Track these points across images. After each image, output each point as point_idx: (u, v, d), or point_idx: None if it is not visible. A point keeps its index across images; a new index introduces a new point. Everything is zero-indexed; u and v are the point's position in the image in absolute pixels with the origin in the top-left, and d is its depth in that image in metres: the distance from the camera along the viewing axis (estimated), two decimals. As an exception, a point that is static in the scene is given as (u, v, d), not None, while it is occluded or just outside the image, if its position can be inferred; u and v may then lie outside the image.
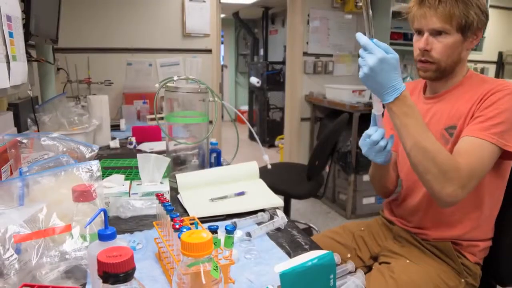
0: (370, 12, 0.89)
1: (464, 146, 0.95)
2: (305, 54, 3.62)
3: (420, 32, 1.03)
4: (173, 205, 0.78)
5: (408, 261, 1.10)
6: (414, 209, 1.14)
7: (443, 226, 1.09)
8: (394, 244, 1.19)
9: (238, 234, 0.93)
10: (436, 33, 0.99)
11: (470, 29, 0.99)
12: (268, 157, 1.45)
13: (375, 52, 0.86)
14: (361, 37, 0.88)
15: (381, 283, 1.03)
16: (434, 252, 1.09)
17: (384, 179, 1.20)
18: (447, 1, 0.96)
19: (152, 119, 2.29)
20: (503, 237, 1.12)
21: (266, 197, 1.18)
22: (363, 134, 1.01)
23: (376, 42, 0.88)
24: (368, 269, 1.19)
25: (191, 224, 0.75)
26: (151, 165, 1.16)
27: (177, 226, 0.66)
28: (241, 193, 1.18)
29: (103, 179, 1.10)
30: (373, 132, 0.98)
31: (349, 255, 1.23)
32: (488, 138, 0.93)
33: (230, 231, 0.73)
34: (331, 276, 0.57)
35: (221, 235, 0.87)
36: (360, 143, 1.03)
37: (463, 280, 1.05)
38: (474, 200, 1.02)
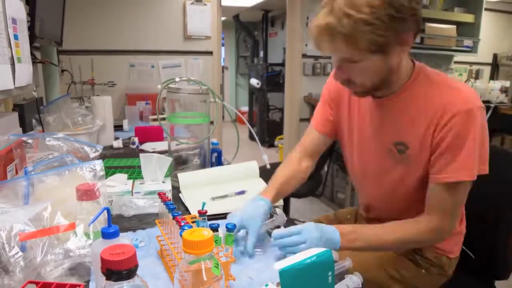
0: None
1: (436, 197, 0.90)
2: (304, 56, 3.62)
3: None
4: (175, 204, 0.78)
5: None
6: (368, 204, 1.15)
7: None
8: None
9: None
10: (348, 60, 0.84)
11: (390, 46, 0.80)
12: (268, 157, 1.44)
13: (303, 229, 0.85)
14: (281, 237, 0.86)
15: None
16: None
17: None
18: (344, 29, 0.76)
19: (154, 120, 2.29)
20: (499, 235, 1.12)
21: (266, 196, 1.18)
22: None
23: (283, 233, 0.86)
24: None
25: (193, 222, 0.75)
26: (154, 165, 1.16)
27: (182, 224, 0.66)
28: (242, 192, 1.18)
29: (106, 178, 1.10)
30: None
31: None
32: (465, 178, 0.86)
33: (230, 229, 0.73)
34: (329, 273, 0.57)
35: (222, 233, 0.87)
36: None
37: (423, 270, 1.04)
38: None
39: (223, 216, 1.05)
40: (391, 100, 0.94)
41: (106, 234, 0.59)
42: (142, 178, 1.18)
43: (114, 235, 0.59)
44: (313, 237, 0.83)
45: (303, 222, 0.93)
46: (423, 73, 0.92)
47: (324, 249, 0.57)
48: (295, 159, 1.14)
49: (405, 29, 0.79)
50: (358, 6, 0.75)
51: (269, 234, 0.95)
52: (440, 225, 0.90)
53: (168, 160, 1.18)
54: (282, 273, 0.52)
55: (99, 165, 0.85)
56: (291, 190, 1.11)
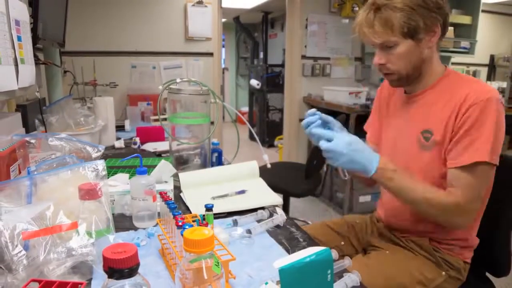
0: None
1: (457, 179, 0.94)
2: (303, 57, 3.62)
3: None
4: (176, 203, 0.78)
5: (387, 252, 1.11)
6: (393, 210, 1.15)
7: (422, 229, 1.08)
8: (378, 239, 1.19)
9: (239, 231, 0.93)
10: (385, 46, 0.98)
11: (419, 31, 0.95)
12: (268, 156, 1.44)
13: (338, 137, 0.91)
14: (321, 137, 0.94)
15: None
16: (413, 248, 1.09)
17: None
18: (381, 15, 0.94)
19: (155, 120, 2.29)
20: (496, 230, 1.13)
21: (265, 195, 1.18)
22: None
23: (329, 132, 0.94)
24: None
25: (193, 221, 0.75)
26: (162, 170, 1.17)
27: (180, 224, 0.66)
28: (242, 192, 1.18)
29: (108, 178, 1.10)
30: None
31: (342, 243, 1.24)
32: (482, 159, 0.90)
33: (209, 209, 0.78)
34: (329, 272, 0.57)
35: (222, 231, 0.88)
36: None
37: (444, 272, 1.05)
38: None
39: (223, 215, 1.05)
40: (422, 94, 1.05)
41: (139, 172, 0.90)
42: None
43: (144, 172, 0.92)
44: (342, 139, 0.91)
45: (303, 221, 0.94)
46: (453, 73, 1.04)
47: (323, 248, 0.57)
48: None
49: (431, 18, 0.94)
50: None
51: (269, 233, 0.96)
52: (463, 202, 0.92)
53: (172, 171, 1.20)
54: (282, 271, 0.52)
55: (101, 165, 0.85)
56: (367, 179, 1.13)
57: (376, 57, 1.01)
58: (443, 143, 0.97)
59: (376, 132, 1.23)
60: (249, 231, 0.93)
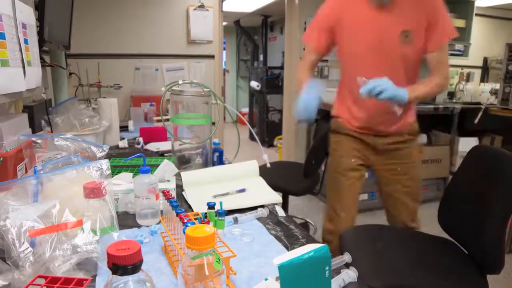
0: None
1: (439, 60, 1.31)
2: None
3: None
4: (178, 202, 0.78)
5: (398, 168, 1.49)
6: (369, 117, 1.47)
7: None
8: (377, 156, 1.51)
9: (236, 231, 0.94)
10: None
11: None
12: (267, 156, 1.45)
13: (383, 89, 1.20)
14: (363, 90, 1.21)
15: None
16: (401, 140, 1.47)
17: None
18: None
19: (158, 121, 2.29)
20: (490, 231, 1.12)
21: (265, 194, 1.18)
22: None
23: (370, 83, 1.22)
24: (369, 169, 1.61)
25: (195, 219, 0.75)
26: (165, 169, 1.17)
27: (182, 221, 0.66)
28: (242, 190, 1.18)
29: (112, 177, 1.10)
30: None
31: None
32: (454, 35, 1.30)
33: (221, 214, 0.76)
34: (327, 268, 0.57)
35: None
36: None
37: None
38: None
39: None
40: (393, 9, 1.29)
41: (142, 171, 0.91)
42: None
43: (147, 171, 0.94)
44: (389, 84, 1.21)
45: (302, 219, 0.95)
46: None
47: (321, 245, 0.57)
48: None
49: None
50: None
51: (268, 231, 0.95)
52: (447, 74, 1.33)
53: (174, 170, 1.20)
54: (281, 268, 0.52)
55: (105, 164, 0.85)
56: None
57: None
58: (421, 36, 1.28)
59: (323, 42, 1.46)
60: (236, 219, 0.97)
